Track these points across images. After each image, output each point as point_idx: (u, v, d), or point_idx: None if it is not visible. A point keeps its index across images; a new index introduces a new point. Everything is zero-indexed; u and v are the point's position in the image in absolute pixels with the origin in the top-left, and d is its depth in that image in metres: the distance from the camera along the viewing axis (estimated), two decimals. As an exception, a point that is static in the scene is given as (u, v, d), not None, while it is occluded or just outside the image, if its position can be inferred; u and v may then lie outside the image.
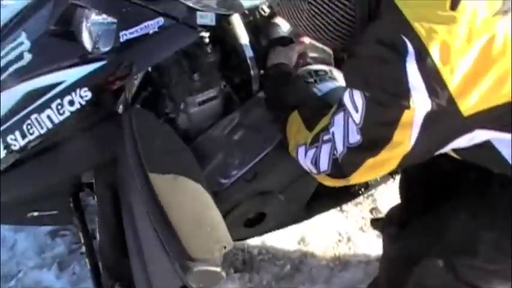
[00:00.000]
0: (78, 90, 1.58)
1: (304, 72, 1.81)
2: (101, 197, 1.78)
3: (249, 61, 1.76)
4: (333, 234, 2.45)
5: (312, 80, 1.78)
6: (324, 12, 1.26)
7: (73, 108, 1.58)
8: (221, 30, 1.75)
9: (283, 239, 2.37)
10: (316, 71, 1.82)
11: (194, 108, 1.79)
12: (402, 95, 1.08)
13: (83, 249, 1.94)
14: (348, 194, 2.11)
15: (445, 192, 1.48)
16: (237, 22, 1.74)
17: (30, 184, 1.72)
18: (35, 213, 1.86)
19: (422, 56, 1.04)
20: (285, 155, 1.64)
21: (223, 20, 1.66)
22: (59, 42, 1.72)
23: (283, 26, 1.85)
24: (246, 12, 1.74)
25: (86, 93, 1.58)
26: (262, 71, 1.78)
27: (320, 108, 1.43)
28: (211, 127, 1.83)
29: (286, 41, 1.74)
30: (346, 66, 1.30)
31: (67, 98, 1.58)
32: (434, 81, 1.05)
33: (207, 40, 1.75)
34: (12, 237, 2.42)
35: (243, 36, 1.74)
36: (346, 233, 2.46)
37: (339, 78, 1.80)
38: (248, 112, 1.80)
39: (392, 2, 1.11)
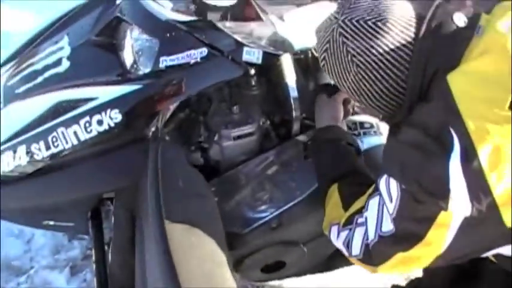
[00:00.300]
0: (109, 111, 1.51)
1: (349, 122, 1.70)
2: (117, 219, 1.72)
3: (292, 102, 1.67)
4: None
5: (356, 132, 1.68)
6: (373, 78, 1.15)
7: (101, 129, 1.52)
8: (269, 65, 1.65)
9: (300, 282, 2.25)
10: (361, 123, 1.72)
11: (228, 142, 1.71)
12: (441, 195, 0.96)
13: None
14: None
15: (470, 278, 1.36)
16: (286, 60, 1.64)
17: (48, 195, 1.68)
18: (51, 222, 1.81)
19: (469, 156, 0.92)
20: (315, 207, 1.55)
21: (270, 59, 1.55)
22: (99, 54, 1.67)
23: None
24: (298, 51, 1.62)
25: (117, 116, 1.51)
26: (304, 114, 1.69)
27: (361, 184, 1.32)
28: (243, 162, 1.75)
29: (333, 90, 1.63)
30: (386, 147, 1.19)
31: (96, 117, 1.52)
32: (478, 186, 0.93)
33: (252, 72, 1.67)
34: (30, 231, 2.39)
35: (290, 75, 1.65)
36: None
37: (385, 134, 1.69)
38: (284, 154, 1.71)
39: (446, 86, 1.00)
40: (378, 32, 1.10)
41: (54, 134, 1.56)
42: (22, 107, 1.68)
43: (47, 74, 1.68)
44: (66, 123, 1.55)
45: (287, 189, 1.65)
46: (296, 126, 1.72)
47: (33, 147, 1.58)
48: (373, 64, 1.12)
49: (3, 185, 1.65)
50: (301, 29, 1.56)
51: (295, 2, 1.59)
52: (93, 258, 1.80)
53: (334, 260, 1.91)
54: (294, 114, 1.68)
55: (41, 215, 1.79)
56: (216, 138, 1.72)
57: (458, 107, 0.96)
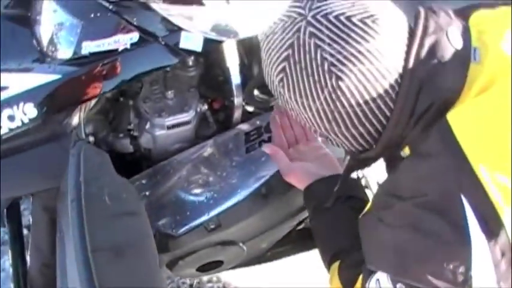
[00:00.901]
0: (22, 105, 1.30)
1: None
2: (35, 220, 1.55)
3: (234, 88, 1.51)
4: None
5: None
6: (357, 96, 0.87)
7: (12, 125, 1.31)
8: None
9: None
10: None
11: (161, 131, 1.54)
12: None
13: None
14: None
15: None
16: (229, 42, 1.44)
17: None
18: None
19: (494, 236, 0.74)
20: (258, 208, 1.46)
21: (212, 46, 1.36)
22: (11, 30, 1.42)
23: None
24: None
25: (31, 110, 1.30)
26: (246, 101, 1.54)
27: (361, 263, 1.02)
28: (177, 151, 1.59)
29: None
30: (366, 229, 0.92)
31: (7, 112, 1.30)
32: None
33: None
34: None
35: (233, 59, 1.47)
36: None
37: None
38: (223, 145, 1.55)
39: (449, 133, 0.79)
40: (367, 33, 0.85)
41: (-46, 126, 1.33)
42: None
43: None
44: (-30, 116, 1.32)
45: (226, 191, 1.51)
46: (237, 114, 1.58)
47: None
48: (358, 76, 0.85)
49: None
50: (248, 13, 1.36)
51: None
52: (10, 260, 1.61)
53: (273, 251, 1.81)
54: (235, 101, 1.52)
55: None
56: (147, 126, 1.54)
57: (473, 168, 0.75)
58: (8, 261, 2.03)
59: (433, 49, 0.85)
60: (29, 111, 1.29)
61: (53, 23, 1.35)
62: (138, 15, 1.29)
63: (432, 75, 0.84)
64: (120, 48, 1.29)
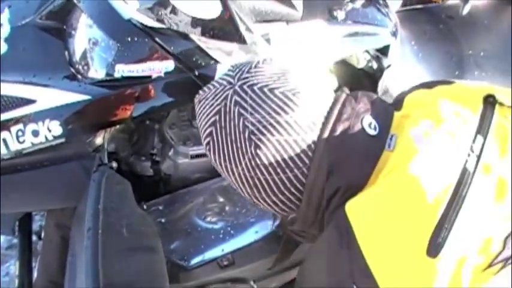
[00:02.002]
0: (47, 121, 1.27)
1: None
2: (47, 236, 1.52)
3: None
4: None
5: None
6: (274, 165, 0.86)
7: (36, 140, 1.28)
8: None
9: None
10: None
11: (184, 160, 1.51)
12: None
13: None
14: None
15: None
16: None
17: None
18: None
19: None
20: (273, 251, 1.38)
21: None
22: (44, 42, 1.40)
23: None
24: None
25: (56, 128, 1.27)
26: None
27: None
28: (197, 181, 1.57)
29: None
30: None
31: (31, 127, 1.28)
32: None
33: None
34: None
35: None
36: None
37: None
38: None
39: (346, 223, 0.78)
40: (286, 104, 0.85)
41: (-21, 135, 1.30)
42: None
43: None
44: (-6, 127, 1.29)
45: (243, 228, 1.47)
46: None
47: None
48: (276, 145, 0.85)
49: None
50: (286, 53, 1.33)
51: (284, 18, 1.34)
52: (17, 272, 1.57)
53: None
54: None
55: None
56: (171, 153, 1.51)
57: (364, 257, 0.74)
58: (13, 266, 2.01)
59: (344, 135, 0.85)
60: (53, 129, 1.27)
61: (87, 39, 1.33)
62: (176, 44, 1.26)
63: (340, 162, 0.84)
64: (154, 76, 1.25)
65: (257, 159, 0.86)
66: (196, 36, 1.25)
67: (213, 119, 0.89)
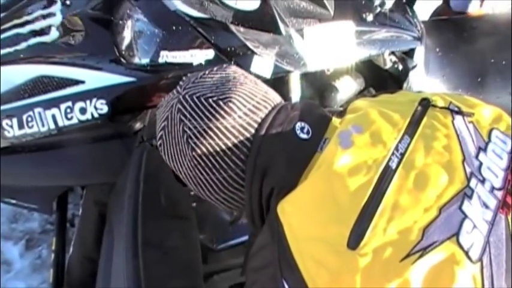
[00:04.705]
0: (94, 100, 1.37)
1: None
2: (85, 212, 1.59)
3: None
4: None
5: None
6: (209, 166, 0.95)
7: (83, 117, 1.38)
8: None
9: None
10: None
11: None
12: None
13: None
14: None
15: None
16: (294, 74, 1.49)
17: (12, 177, 1.52)
18: (12, 201, 1.66)
19: None
20: None
21: (280, 74, 1.41)
22: (93, 30, 1.50)
23: (342, 92, 1.60)
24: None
25: (103, 106, 1.37)
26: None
27: None
28: None
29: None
30: None
31: (80, 104, 1.38)
32: None
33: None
34: (-13, 194, 2.22)
35: (295, 92, 1.51)
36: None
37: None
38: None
39: (277, 222, 0.82)
40: (217, 112, 0.92)
41: (30, 113, 1.41)
42: (-2, 73, 1.50)
43: (31, 41, 1.51)
44: (46, 105, 1.40)
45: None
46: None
47: (5, 122, 1.43)
48: (209, 148, 0.93)
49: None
50: (318, 49, 1.42)
51: (317, 17, 1.44)
52: (53, 247, 1.66)
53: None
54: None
55: (3, 191, 1.64)
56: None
57: (291, 253, 0.78)
58: (45, 249, 2.11)
59: (276, 139, 0.91)
60: (100, 107, 1.36)
61: (133, 30, 1.43)
62: (217, 34, 1.35)
63: (272, 164, 0.90)
64: (195, 63, 1.35)
65: (195, 161, 0.94)
66: (235, 26, 1.35)
67: (163, 124, 0.98)
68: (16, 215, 2.19)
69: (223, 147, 0.92)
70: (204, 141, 0.92)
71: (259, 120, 0.94)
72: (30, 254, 2.10)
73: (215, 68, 1.02)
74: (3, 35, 1.57)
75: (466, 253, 0.73)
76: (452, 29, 1.97)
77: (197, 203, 1.55)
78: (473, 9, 2.19)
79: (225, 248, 1.54)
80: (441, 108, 0.91)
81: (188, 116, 0.94)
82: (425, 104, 0.91)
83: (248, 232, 1.47)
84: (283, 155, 0.89)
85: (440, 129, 0.87)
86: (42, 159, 1.47)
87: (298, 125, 0.92)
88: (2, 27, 1.60)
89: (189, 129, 0.93)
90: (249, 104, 0.95)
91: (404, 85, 1.65)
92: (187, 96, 0.95)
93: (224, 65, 1.04)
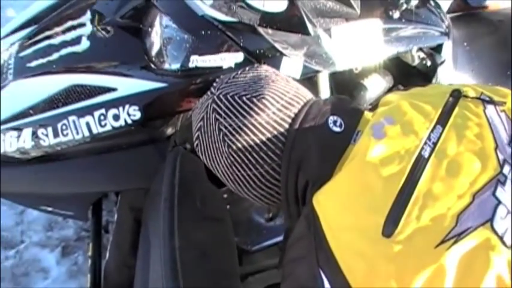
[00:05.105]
0: (127, 106, 1.39)
1: None
2: (120, 217, 1.61)
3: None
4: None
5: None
6: (246, 162, 0.97)
7: (116, 124, 1.40)
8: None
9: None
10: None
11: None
12: None
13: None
14: None
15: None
16: (323, 74, 1.50)
17: (49, 185, 1.56)
18: (49, 208, 1.70)
19: None
20: None
21: (309, 75, 1.42)
22: (123, 38, 1.53)
23: (371, 90, 1.60)
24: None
25: (135, 113, 1.39)
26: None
27: None
28: None
29: None
30: None
31: (113, 111, 1.40)
32: None
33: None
34: (24, 202, 2.26)
35: (325, 91, 1.52)
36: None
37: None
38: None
39: (313, 214, 0.83)
40: (251, 109, 0.95)
41: (65, 121, 1.43)
42: (31, 84, 1.53)
43: (63, 52, 1.54)
44: (79, 112, 1.43)
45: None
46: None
47: (40, 132, 1.46)
48: (245, 145, 0.95)
49: (1, 167, 1.53)
50: (346, 48, 1.43)
51: (344, 15, 1.44)
52: (90, 253, 1.68)
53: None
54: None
55: (40, 200, 1.67)
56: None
57: (328, 243, 0.79)
58: (81, 256, 2.14)
59: (309, 132, 0.93)
60: (133, 113, 1.38)
61: (162, 36, 1.45)
62: (245, 37, 1.36)
63: (306, 157, 0.92)
64: (225, 66, 1.36)
65: (231, 158, 0.97)
66: (263, 29, 1.36)
67: (199, 124, 1.01)
68: (51, 223, 2.24)
69: (259, 142, 0.95)
70: (240, 138, 0.95)
71: (292, 115, 0.96)
72: (67, 260, 2.14)
73: (247, 68, 1.05)
74: (36, 47, 1.60)
75: (501, 238, 0.73)
76: (479, 21, 1.96)
77: (231, 205, 1.57)
78: (492, 3, 2.17)
79: (259, 250, 1.56)
80: (472, 98, 0.92)
81: (223, 114, 0.97)
82: (457, 94, 0.92)
83: (282, 233, 1.49)
84: (317, 148, 0.91)
85: (471, 119, 0.88)
86: (77, 167, 1.49)
87: (331, 118, 0.94)
88: (35, 40, 1.64)
89: (225, 127, 0.96)
90: (282, 100, 0.97)
91: (433, 81, 1.65)
92: (221, 96, 0.98)
93: (255, 65, 1.06)
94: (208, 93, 1.03)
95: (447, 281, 0.71)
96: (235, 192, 1.05)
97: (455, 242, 0.73)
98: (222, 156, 0.98)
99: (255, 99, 0.96)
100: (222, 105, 0.97)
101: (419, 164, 0.81)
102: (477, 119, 0.88)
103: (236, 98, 0.97)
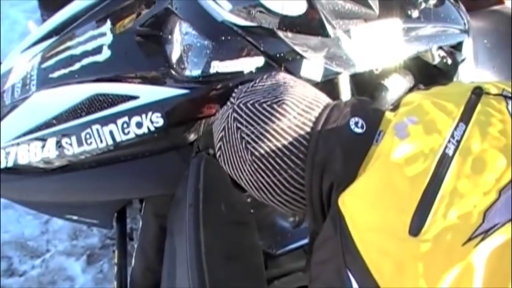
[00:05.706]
0: (150, 114, 1.41)
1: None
2: (146, 224, 1.62)
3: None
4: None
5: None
6: (270, 168, 0.96)
7: (139, 131, 1.42)
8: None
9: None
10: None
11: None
12: None
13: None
14: None
15: None
16: (343, 76, 1.49)
17: (74, 193, 1.57)
18: (74, 217, 1.71)
19: None
20: None
21: (330, 77, 1.42)
22: (143, 46, 1.54)
23: (392, 90, 1.60)
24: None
25: (158, 120, 1.40)
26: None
27: None
28: None
29: None
30: None
31: (136, 119, 1.41)
32: None
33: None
34: (49, 212, 2.28)
35: (345, 93, 1.51)
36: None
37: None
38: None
39: (339, 215, 0.83)
40: (273, 115, 0.95)
41: (88, 130, 1.45)
42: (54, 95, 1.55)
43: (85, 61, 1.56)
44: (102, 121, 1.44)
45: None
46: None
47: (64, 141, 1.47)
48: (268, 151, 0.95)
49: (25, 177, 1.55)
50: (366, 49, 1.43)
51: (363, 16, 1.44)
52: (115, 260, 1.70)
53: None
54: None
55: (64, 209, 1.69)
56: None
57: (355, 244, 0.79)
58: (106, 264, 2.16)
59: (332, 135, 0.93)
60: (155, 120, 1.40)
61: (182, 43, 1.46)
62: (265, 41, 1.37)
63: (330, 159, 0.91)
64: (246, 71, 1.37)
65: (255, 165, 0.97)
66: (283, 32, 1.37)
67: (220, 135, 1.02)
68: (76, 231, 2.26)
69: (282, 148, 0.95)
70: (263, 144, 0.95)
71: (313, 119, 0.96)
72: (92, 268, 2.15)
73: (264, 76, 1.06)
74: (57, 58, 1.63)
75: None
76: (498, 19, 1.95)
77: (255, 209, 1.57)
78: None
79: (284, 253, 1.56)
80: (494, 95, 0.91)
81: (244, 122, 0.97)
82: (479, 92, 0.91)
83: (306, 236, 1.49)
84: (340, 150, 0.91)
85: (495, 115, 0.87)
86: (101, 175, 1.51)
87: (352, 120, 0.94)
88: (56, 50, 1.66)
89: (247, 135, 0.96)
90: (302, 104, 0.97)
91: (454, 79, 1.64)
92: (241, 105, 0.99)
93: (273, 73, 1.07)
94: (228, 103, 1.03)
95: (476, 279, 0.71)
96: (260, 200, 1.05)
97: (482, 239, 0.73)
98: (245, 164, 0.98)
99: (275, 105, 0.96)
100: (242, 114, 0.98)
101: (444, 162, 0.80)
102: (500, 116, 0.87)
103: (256, 105, 0.97)
